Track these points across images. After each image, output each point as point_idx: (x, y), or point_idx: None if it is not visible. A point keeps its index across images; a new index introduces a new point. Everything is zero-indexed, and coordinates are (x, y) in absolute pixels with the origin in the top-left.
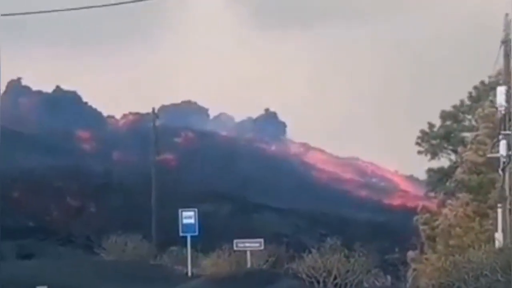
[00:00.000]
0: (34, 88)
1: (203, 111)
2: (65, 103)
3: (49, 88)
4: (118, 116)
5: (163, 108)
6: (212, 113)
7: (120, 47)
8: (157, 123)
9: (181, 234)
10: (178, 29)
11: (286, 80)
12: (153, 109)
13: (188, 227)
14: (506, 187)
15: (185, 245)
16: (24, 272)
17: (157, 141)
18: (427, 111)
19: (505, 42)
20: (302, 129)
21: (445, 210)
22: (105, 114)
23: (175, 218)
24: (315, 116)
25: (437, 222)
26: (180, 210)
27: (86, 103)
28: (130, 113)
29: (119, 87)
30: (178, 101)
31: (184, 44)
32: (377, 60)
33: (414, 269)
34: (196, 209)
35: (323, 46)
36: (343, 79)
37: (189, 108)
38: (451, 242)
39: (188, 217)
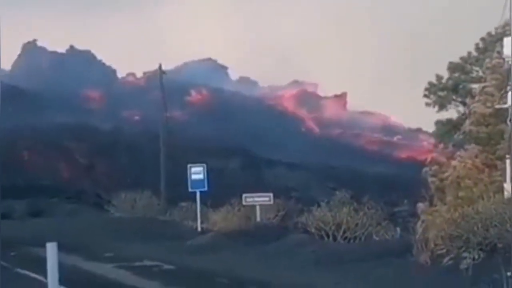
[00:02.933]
0: (49, 48)
1: (222, 69)
2: (79, 62)
3: (63, 48)
4: (131, 74)
5: (185, 65)
6: (226, 70)
7: (134, 4)
8: (165, 79)
9: (190, 189)
10: None
11: (292, 37)
12: (160, 65)
13: (197, 182)
14: None
15: (195, 201)
16: (34, 230)
17: (165, 98)
18: (434, 62)
19: None
20: (311, 83)
21: (454, 162)
22: (120, 72)
23: (184, 174)
24: (324, 71)
25: (446, 174)
26: (189, 166)
27: (100, 61)
28: (148, 71)
29: (134, 45)
30: (196, 58)
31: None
32: (384, 13)
33: (423, 221)
34: (205, 165)
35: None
36: (350, 29)
37: (208, 66)
38: (460, 193)
39: (197, 172)
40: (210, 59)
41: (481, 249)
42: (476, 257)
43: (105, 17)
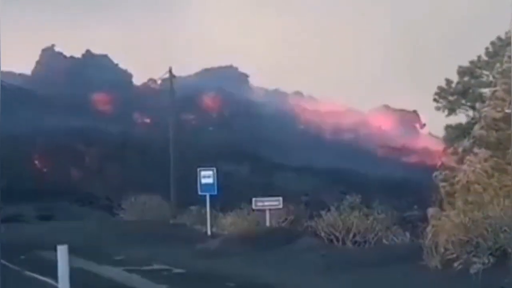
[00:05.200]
0: (67, 53)
1: (240, 76)
2: (95, 66)
3: (81, 53)
4: (147, 78)
5: (205, 71)
6: (241, 77)
7: (150, 9)
8: (179, 84)
9: (200, 193)
10: None
11: (302, 40)
12: (170, 68)
13: (207, 186)
14: None
15: (204, 205)
16: (44, 233)
17: (174, 102)
18: (444, 67)
19: None
20: (320, 88)
21: (463, 167)
22: (136, 76)
23: (194, 178)
24: (332, 73)
25: (456, 179)
26: (198, 169)
27: (117, 65)
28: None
29: (150, 49)
30: (213, 65)
31: (215, 5)
32: (395, 18)
33: (433, 226)
34: (215, 168)
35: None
36: (360, 30)
37: (227, 73)
38: (470, 198)
39: (207, 176)
40: (230, 66)
41: (491, 254)
42: (486, 262)
43: (126, 21)
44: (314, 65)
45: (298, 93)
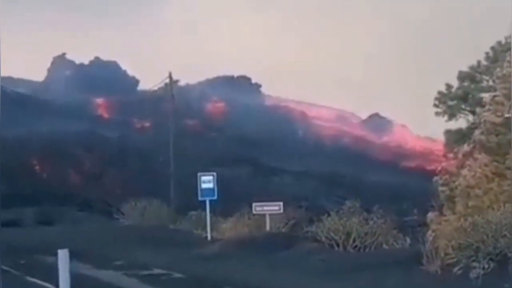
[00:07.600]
0: (77, 61)
1: (251, 86)
2: (103, 73)
3: (88, 60)
4: (152, 84)
5: (216, 79)
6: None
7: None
8: (182, 90)
9: (200, 198)
10: None
11: (298, 41)
12: (170, 73)
13: (207, 191)
14: None
15: (204, 210)
16: (44, 238)
17: (174, 107)
18: (444, 72)
19: None
20: (319, 90)
21: (464, 171)
22: (143, 82)
23: (194, 183)
24: (332, 76)
25: (456, 183)
26: (199, 174)
27: (124, 71)
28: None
29: (159, 55)
30: (218, 73)
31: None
32: (394, 22)
33: (433, 230)
34: (215, 173)
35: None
36: (359, 36)
37: (237, 82)
38: (470, 203)
39: (207, 181)
40: (244, 76)
41: (491, 259)
42: (486, 266)
43: (128, 27)
44: (314, 70)
45: (297, 99)
